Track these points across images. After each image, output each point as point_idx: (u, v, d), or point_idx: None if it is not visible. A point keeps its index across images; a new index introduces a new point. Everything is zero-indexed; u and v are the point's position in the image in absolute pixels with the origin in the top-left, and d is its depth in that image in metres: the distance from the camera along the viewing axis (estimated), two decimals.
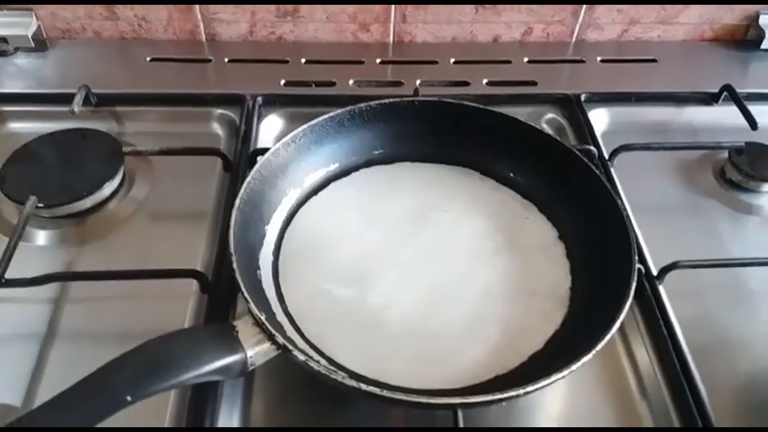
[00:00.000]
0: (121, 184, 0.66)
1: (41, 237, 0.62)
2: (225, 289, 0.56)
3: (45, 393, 0.50)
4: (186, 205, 0.66)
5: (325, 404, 0.50)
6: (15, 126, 0.73)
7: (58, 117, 0.71)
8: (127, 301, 0.56)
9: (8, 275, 0.54)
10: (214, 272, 0.57)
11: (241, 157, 0.67)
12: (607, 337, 0.45)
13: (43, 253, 0.61)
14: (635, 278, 0.48)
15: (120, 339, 0.53)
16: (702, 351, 0.53)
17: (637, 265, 0.50)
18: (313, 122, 0.59)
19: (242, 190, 0.53)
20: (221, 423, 0.49)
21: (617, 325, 0.45)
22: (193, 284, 0.56)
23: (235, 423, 0.49)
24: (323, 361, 0.48)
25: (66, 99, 0.70)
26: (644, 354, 0.54)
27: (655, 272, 0.57)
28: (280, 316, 0.51)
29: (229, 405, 0.50)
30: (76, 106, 0.69)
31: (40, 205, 0.60)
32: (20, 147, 0.66)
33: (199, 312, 0.56)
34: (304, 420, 0.50)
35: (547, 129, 0.74)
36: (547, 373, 0.43)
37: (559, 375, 0.42)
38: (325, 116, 0.60)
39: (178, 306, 0.56)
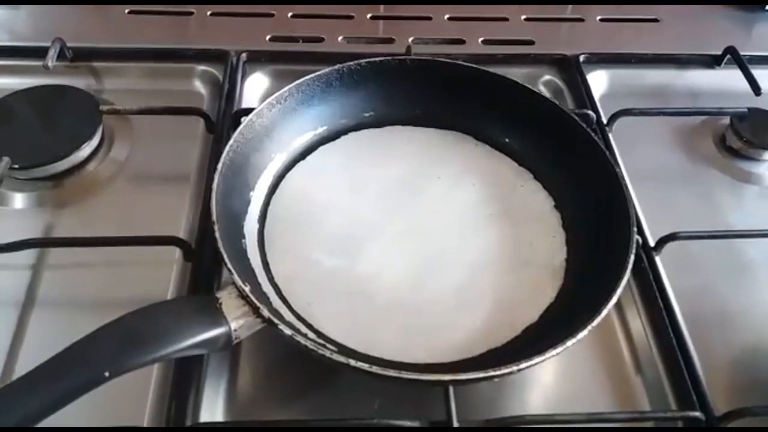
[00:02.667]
0: (99, 145, 0.63)
1: (17, 200, 0.59)
2: (209, 256, 0.54)
3: (23, 363, 0.49)
4: (168, 167, 0.63)
5: (315, 375, 0.48)
6: None
7: (31, 72, 0.68)
8: (107, 267, 0.54)
9: None
10: (197, 239, 0.55)
11: (224, 118, 0.64)
12: (603, 313, 0.43)
13: (19, 217, 0.58)
14: (633, 252, 0.46)
15: (100, 307, 0.52)
16: (699, 324, 0.52)
17: (636, 238, 0.48)
18: (299, 81, 0.57)
19: (224, 154, 0.50)
20: (207, 395, 0.48)
21: (613, 300, 0.44)
22: (176, 251, 0.54)
23: (221, 395, 0.48)
24: (311, 334, 0.46)
25: (40, 53, 0.66)
26: (639, 327, 0.53)
27: (652, 243, 0.56)
28: (266, 287, 0.49)
29: (215, 376, 0.49)
30: (50, 60, 0.66)
31: (15, 166, 0.58)
32: None
33: (183, 279, 0.54)
34: (293, 393, 0.49)
35: (545, 92, 0.71)
36: (541, 348, 0.42)
37: (553, 351, 0.41)
38: (312, 75, 0.57)
39: (161, 273, 0.54)
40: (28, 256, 0.54)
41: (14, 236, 0.53)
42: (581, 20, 0.81)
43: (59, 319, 0.51)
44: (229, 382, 0.49)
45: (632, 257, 0.46)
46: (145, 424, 0.46)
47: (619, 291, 0.44)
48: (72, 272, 0.54)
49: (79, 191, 0.61)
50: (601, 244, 0.51)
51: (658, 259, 0.56)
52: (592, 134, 0.54)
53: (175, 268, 0.55)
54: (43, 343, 0.50)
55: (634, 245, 0.47)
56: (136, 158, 0.63)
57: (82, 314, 0.52)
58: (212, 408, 0.47)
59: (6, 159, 0.57)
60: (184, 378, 0.47)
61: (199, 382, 0.48)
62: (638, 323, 0.54)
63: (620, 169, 0.53)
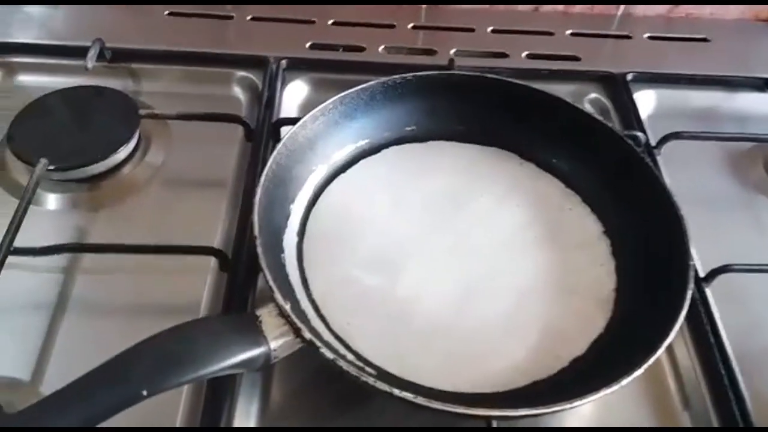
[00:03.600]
0: (136, 148, 0.62)
1: (52, 201, 0.58)
2: (245, 267, 0.52)
3: (54, 367, 0.48)
4: (204, 173, 0.62)
5: (350, 391, 0.47)
6: (25, 79, 0.69)
7: (70, 71, 0.67)
8: (141, 274, 0.53)
9: (18, 241, 0.51)
10: (234, 249, 0.54)
11: (263, 126, 0.63)
12: (660, 352, 0.41)
13: (53, 218, 0.58)
14: (691, 289, 0.44)
15: (133, 314, 0.52)
16: (749, 360, 0.50)
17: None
18: (343, 94, 0.55)
19: (267, 166, 0.49)
20: (239, 412, 0.46)
21: (670, 338, 0.42)
22: (212, 260, 0.53)
23: (253, 412, 0.47)
24: (349, 355, 0.45)
25: (79, 52, 0.66)
26: (687, 360, 0.51)
27: (702, 274, 0.54)
28: (304, 303, 0.47)
29: (247, 393, 0.48)
30: (90, 61, 0.65)
31: (51, 167, 0.57)
32: (30, 103, 0.62)
33: (217, 289, 0.53)
34: (326, 408, 0.47)
35: (590, 110, 0.69)
36: (590, 384, 0.40)
37: (607, 390, 0.39)
38: (357, 88, 0.56)
39: (195, 281, 0.53)
40: (61, 259, 0.53)
41: (48, 238, 0.53)
42: (628, 37, 0.79)
43: (91, 324, 0.51)
44: (263, 392, 0.48)
45: (690, 294, 0.44)
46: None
47: (676, 329, 0.42)
48: (105, 277, 0.54)
49: (114, 194, 0.60)
50: (653, 275, 0.49)
51: (708, 291, 0.53)
52: (646, 158, 0.53)
53: (210, 277, 0.54)
54: (75, 346, 0.49)
55: (692, 282, 0.45)
56: (172, 163, 0.62)
57: (114, 320, 0.51)
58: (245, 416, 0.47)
59: (44, 161, 0.56)
60: (219, 384, 0.46)
61: (234, 389, 0.47)
62: (686, 356, 0.51)
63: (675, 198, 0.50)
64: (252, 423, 0.46)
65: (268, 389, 0.48)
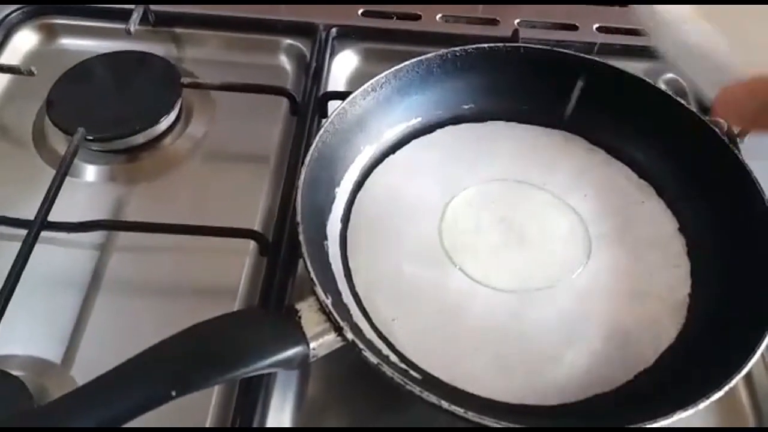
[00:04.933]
0: (177, 119, 0.59)
1: (89, 172, 0.56)
2: (286, 252, 0.49)
3: (86, 349, 0.47)
4: (247, 147, 0.59)
5: (390, 392, 0.43)
6: (66, 42, 0.67)
7: (112, 35, 0.65)
8: (178, 253, 0.51)
9: (53, 214, 0.49)
10: (275, 233, 0.50)
11: (309, 99, 0.59)
12: (744, 371, 0.36)
13: (91, 191, 0.56)
14: None
15: (168, 294, 0.50)
16: None
17: None
18: (397, 67, 0.51)
19: (313, 146, 0.45)
20: (273, 408, 0.44)
21: (757, 355, 0.37)
22: (252, 242, 0.50)
23: (287, 409, 0.44)
24: (393, 356, 0.42)
25: (122, 15, 0.63)
26: (762, 372, 0.46)
27: None
28: (347, 296, 0.44)
29: (282, 386, 0.45)
30: (133, 25, 0.62)
31: (90, 137, 0.54)
32: (71, 68, 0.60)
33: (257, 271, 0.50)
34: (364, 411, 0.44)
35: (666, 91, 0.63)
36: (659, 403, 0.37)
37: (682, 414, 0.35)
38: (412, 61, 0.51)
39: (234, 263, 0.51)
40: (96, 235, 0.51)
41: (84, 212, 0.51)
42: None
43: (124, 305, 0.49)
44: (299, 386, 0.45)
45: None
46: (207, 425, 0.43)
47: (761, 349, 0.37)
48: (140, 255, 0.52)
49: (153, 167, 0.57)
50: (733, 283, 0.44)
51: None
52: (733, 149, 0.47)
53: (249, 259, 0.51)
54: (107, 329, 0.48)
55: None
56: (214, 135, 0.60)
57: (148, 301, 0.49)
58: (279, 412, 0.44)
59: (81, 130, 0.54)
60: (252, 382, 0.43)
61: (268, 384, 0.44)
62: (761, 366, 0.47)
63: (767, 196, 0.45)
64: (287, 421, 0.44)
65: (305, 383, 0.45)
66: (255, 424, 0.42)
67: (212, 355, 0.34)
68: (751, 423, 0.44)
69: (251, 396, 0.43)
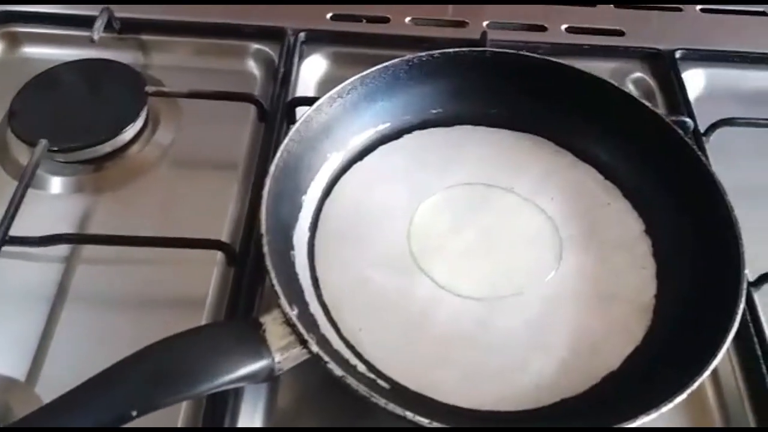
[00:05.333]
0: (144, 127, 0.58)
1: (55, 184, 0.55)
2: (253, 262, 0.49)
3: (52, 366, 0.46)
4: (215, 155, 0.58)
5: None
6: (29, 51, 0.66)
7: (76, 43, 0.64)
8: (145, 264, 0.50)
9: (16, 227, 0.48)
10: (242, 243, 0.50)
11: (277, 106, 0.59)
12: (704, 375, 0.37)
13: (57, 202, 0.55)
14: (742, 303, 0.40)
15: (136, 306, 0.49)
16: None
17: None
18: (364, 73, 0.51)
19: (278, 155, 0.45)
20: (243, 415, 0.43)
21: (719, 357, 0.37)
22: (219, 252, 0.50)
23: (258, 418, 0.44)
24: (360, 366, 0.41)
25: (86, 22, 0.62)
26: (729, 372, 0.46)
27: (752, 278, 0.49)
28: (314, 306, 0.44)
29: (252, 398, 0.44)
30: (97, 32, 0.61)
31: (54, 148, 0.54)
32: (34, 77, 0.59)
33: (225, 282, 0.50)
34: (337, 417, 0.44)
35: (634, 91, 0.63)
36: (625, 407, 0.37)
37: (645, 417, 0.35)
38: (379, 67, 0.51)
39: (202, 273, 0.50)
40: (61, 248, 0.50)
41: (48, 224, 0.50)
42: (678, 9, 0.72)
43: (91, 318, 0.48)
44: (269, 397, 0.45)
45: (741, 311, 0.39)
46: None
47: (723, 349, 0.38)
48: (107, 267, 0.51)
49: (120, 176, 0.56)
50: (698, 283, 0.45)
51: (756, 297, 0.48)
52: (697, 150, 0.47)
53: (217, 269, 0.50)
54: (74, 342, 0.47)
55: (745, 292, 0.40)
56: (181, 143, 0.59)
57: (116, 314, 0.48)
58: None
59: (44, 142, 0.53)
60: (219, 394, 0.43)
61: (236, 399, 0.44)
62: (728, 367, 0.47)
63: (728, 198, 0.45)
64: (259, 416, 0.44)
65: (275, 394, 0.45)
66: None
67: (173, 372, 0.34)
68: (717, 422, 0.45)
69: (218, 409, 0.42)
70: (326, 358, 0.36)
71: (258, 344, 0.37)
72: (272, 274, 0.39)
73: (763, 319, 0.48)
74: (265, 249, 0.40)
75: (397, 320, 0.44)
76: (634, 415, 0.35)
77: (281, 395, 0.45)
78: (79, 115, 0.57)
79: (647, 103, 0.50)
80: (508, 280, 0.46)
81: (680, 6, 0.72)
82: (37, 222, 0.50)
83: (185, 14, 0.67)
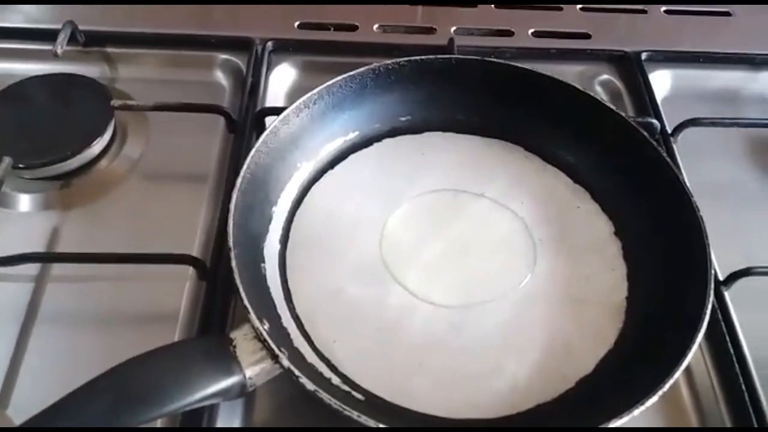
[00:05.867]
0: (111, 141, 0.58)
1: (22, 202, 0.54)
2: (224, 276, 0.48)
3: (23, 387, 0.45)
4: (185, 167, 0.58)
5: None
6: None
7: (40, 57, 0.63)
8: (116, 281, 0.50)
9: None
10: (213, 256, 0.49)
11: (246, 116, 0.58)
12: (675, 376, 0.37)
13: (24, 220, 0.54)
14: (711, 297, 0.40)
15: (108, 323, 0.48)
16: None
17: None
18: (330, 83, 0.50)
19: (244, 167, 0.45)
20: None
21: (687, 361, 0.38)
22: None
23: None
24: (335, 378, 0.41)
25: (48, 36, 0.61)
26: (703, 370, 0.47)
27: (722, 277, 0.49)
28: (287, 320, 0.44)
29: (227, 413, 0.44)
30: (60, 46, 0.60)
31: (20, 165, 0.53)
32: None
33: (197, 296, 0.49)
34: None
35: (602, 93, 0.64)
36: (600, 410, 0.37)
37: (618, 421, 0.35)
38: (345, 76, 0.51)
39: (173, 288, 0.49)
40: (29, 267, 0.49)
41: (18, 242, 0.49)
42: (643, 12, 0.73)
43: (62, 336, 0.47)
44: (245, 411, 0.44)
45: (709, 310, 0.40)
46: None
47: (693, 348, 0.38)
48: (77, 285, 0.50)
49: (88, 191, 0.56)
50: (667, 284, 0.45)
51: (727, 295, 0.49)
52: (663, 154, 0.48)
53: (189, 283, 0.50)
54: (45, 364, 0.46)
55: (712, 290, 0.41)
56: (150, 155, 0.58)
57: (88, 332, 0.48)
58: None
59: (8, 159, 0.52)
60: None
61: (211, 416, 0.43)
62: (702, 366, 0.47)
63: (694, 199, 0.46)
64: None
65: (251, 406, 0.44)
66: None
67: (143, 392, 0.34)
68: (693, 422, 0.45)
69: (194, 424, 0.42)
70: (297, 373, 0.36)
71: (229, 360, 0.36)
72: (241, 289, 0.38)
73: (734, 317, 0.48)
74: (233, 263, 0.40)
75: (372, 331, 0.44)
76: (608, 419, 0.36)
77: (258, 408, 0.44)
78: (44, 130, 0.56)
79: (612, 106, 0.51)
80: (482, 286, 0.46)
81: (645, 8, 0.73)
82: (4, 241, 0.50)
83: (151, 26, 0.66)
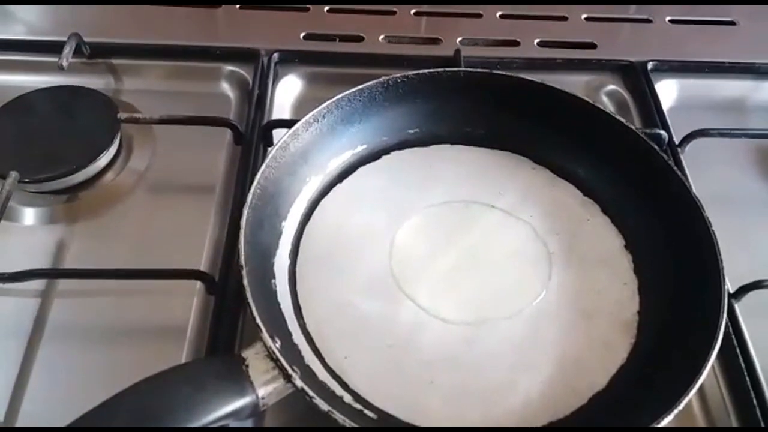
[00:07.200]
0: (117, 154, 0.58)
1: (27, 215, 0.54)
2: (233, 290, 0.48)
3: (30, 405, 0.44)
4: (191, 179, 0.58)
5: None
6: None
7: (45, 69, 0.63)
8: (123, 295, 0.49)
9: None
10: (222, 271, 0.49)
11: (253, 129, 0.58)
12: (690, 394, 0.37)
13: (30, 235, 0.53)
14: (725, 314, 0.40)
15: (115, 339, 0.48)
16: None
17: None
18: (338, 97, 0.50)
19: (255, 182, 0.44)
20: None
21: (702, 378, 0.38)
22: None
23: None
24: (347, 396, 0.41)
25: (54, 48, 0.61)
26: (714, 383, 0.47)
27: (731, 289, 0.49)
28: (297, 336, 0.43)
29: None
30: (66, 59, 0.60)
31: (25, 180, 0.52)
32: (2, 107, 0.58)
33: (205, 311, 0.49)
34: None
35: (608, 103, 0.64)
36: (611, 427, 0.37)
37: None
38: (354, 90, 0.51)
39: (181, 303, 0.49)
40: (36, 282, 0.49)
41: (24, 257, 0.49)
42: (648, 21, 0.73)
43: (70, 353, 0.47)
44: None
45: (723, 326, 0.40)
46: None
47: (708, 365, 0.38)
48: (84, 300, 0.50)
49: (94, 205, 0.55)
50: (680, 296, 0.45)
51: (737, 308, 0.49)
52: (673, 165, 0.48)
53: (197, 298, 0.49)
54: (51, 380, 0.46)
55: (726, 311, 0.40)
56: (157, 168, 0.58)
57: (94, 348, 0.47)
58: None
59: (14, 174, 0.51)
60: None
61: None
62: (712, 379, 0.47)
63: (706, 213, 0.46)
64: None
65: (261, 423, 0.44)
66: None
67: (156, 412, 0.33)
68: (698, 417, 0.45)
69: None
70: (311, 393, 0.36)
71: (241, 381, 0.36)
72: (253, 308, 0.38)
73: (744, 330, 0.48)
74: (245, 281, 0.39)
75: (383, 347, 0.44)
76: None
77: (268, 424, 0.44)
78: (50, 143, 0.56)
79: (621, 119, 0.51)
80: (495, 303, 0.46)
81: (650, 17, 0.73)
82: (10, 256, 0.49)
83: (156, 37, 0.66)
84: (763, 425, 0.43)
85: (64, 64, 0.60)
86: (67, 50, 0.60)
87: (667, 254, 0.47)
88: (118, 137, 0.57)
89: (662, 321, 0.45)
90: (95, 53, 0.64)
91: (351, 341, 0.44)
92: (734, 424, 0.45)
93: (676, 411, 0.36)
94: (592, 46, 0.69)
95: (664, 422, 0.36)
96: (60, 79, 0.61)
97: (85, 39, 0.63)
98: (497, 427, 0.41)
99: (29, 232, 0.53)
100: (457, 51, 0.63)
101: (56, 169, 0.54)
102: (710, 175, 0.58)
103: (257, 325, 0.38)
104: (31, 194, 0.55)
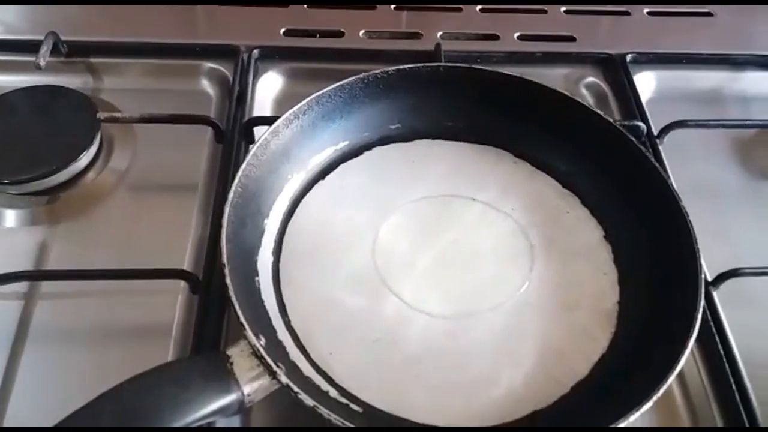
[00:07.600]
0: (98, 153, 0.57)
1: (8, 217, 0.54)
2: (217, 289, 0.48)
3: (16, 407, 0.44)
4: (173, 178, 0.58)
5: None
6: None
7: (22, 69, 0.62)
8: (107, 296, 0.49)
9: None
10: (206, 269, 0.49)
11: (234, 126, 0.58)
12: (670, 379, 0.38)
13: (11, 237, 0.53)
14: (702, 302, 0.41)
15: (100, 340, 0.48)
16: (760, 371, 0.47)
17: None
18: (319, 93, 0.50)
19: (236, 181, 0.44)
20: None
21: (682, 361, 0.38)
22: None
23: None
24: (332, 391, 0.41)
25: (32, 47, 0.60)
26: (694, 370, 0.48)
27: (710, 278, 0.50)
28: (282, 333, 0.43)
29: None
30: (43, 58, 0.59)
31: (5, 181, 0.52)
32: None
33: (190, 310, 0.49)
34: None
35: (587, 96, 0.65)
36: (595, 415, 0.38)
37: (614, 425, 0.36)
38: (334, 86, 0.51)
39: (165, 302, 0.49)
40: (18, 284, 0.49)
41: (5, 259, 0.49)
42: (626, 14, 0.74)
43: (54, 354, 0.47)
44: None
45: (700, 314, 0.40)
46: None
47: (687, 351, 0.39)
48: (68, 302, 0.49)
49: (76, 205, 0.55)
50: (658, 285, 0.46)
51: (715, 296, 0.50)
52: (651, 157, 0.48)
53: (181, 297, 0.50)
54: (36, 382, 0.46)
55: (702, 294, 0.41)
56: (138, 167, 0.58)
57: (79, 349, 0.47)
58: None
59: None
60: None
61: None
62: (692, 366, 0.48)
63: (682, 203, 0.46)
64: None
65: (247, 420, 0.44)
66: None
67: (141, 412, 0.33)
68: (685, 422, 0.46)
69: None
70: (296, 389, 0.36)
71: (226, 378, 0.36)
72: (236, 306, 0.38)
73: (723, 317, 0.49)
74: (228, 279, 0.39)
75: (367, 342, 0.44)
76: (604, 424, 0.36)
77: (254, 422, 0.44)
78: (29, 144, 0.56)
79: (598, 111, 0.51)
80: (478, 295, 0.46)
81: (628, 10, 0.74)
82: None
83: (134, 35, 0.66)
84: (743, 410, 0.44)
85: (42, 63, 0.59)
86: (45, 49, 0.60)
87: (645, 244, 0.48)
88: (99, 136, 0.57)
89: (642, 310, 0.46)
90: (73, 52, 0.64)
91: (336, 337, 0.44)
92: (714, 410, 0.46)
93: (656, 397, 0.37)
94: (571, 39, 0.70)
95: (645, 408, 0.37)
96: (38, 78, 0.60)
97: (63, 38, 0.63)
98: (501, 428, 0.41)
99: (10, 234, 0.53)
100: (438, 45, 0.63)
101: (36, 169, 0.54)
102: (689, 166, 0.59)
103: (241, 323, 0.38)
104: (11, 196, 0.54)
